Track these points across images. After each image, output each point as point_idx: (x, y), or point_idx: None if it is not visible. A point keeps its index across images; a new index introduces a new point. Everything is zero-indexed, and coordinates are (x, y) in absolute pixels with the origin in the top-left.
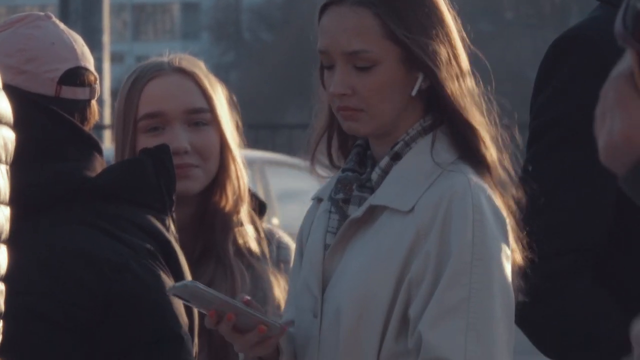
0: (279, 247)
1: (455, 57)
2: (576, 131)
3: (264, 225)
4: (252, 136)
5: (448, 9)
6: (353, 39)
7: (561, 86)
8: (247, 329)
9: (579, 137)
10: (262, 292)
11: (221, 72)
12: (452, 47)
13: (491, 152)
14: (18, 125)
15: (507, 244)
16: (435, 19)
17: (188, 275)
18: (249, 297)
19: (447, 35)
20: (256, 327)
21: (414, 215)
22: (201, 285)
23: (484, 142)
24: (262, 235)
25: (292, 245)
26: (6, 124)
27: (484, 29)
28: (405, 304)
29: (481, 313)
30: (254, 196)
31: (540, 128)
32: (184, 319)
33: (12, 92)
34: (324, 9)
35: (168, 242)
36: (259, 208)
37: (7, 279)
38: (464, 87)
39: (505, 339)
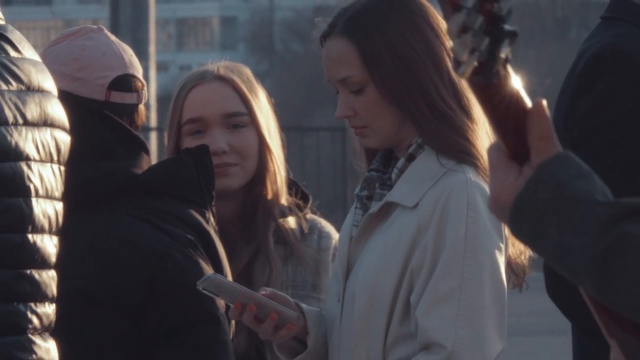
0: (320, 236)
1: (434, 73)
2: (628, 133)
3: (308, 215)
4: (283, 138)
5: (432, 26)
6: (339, 68)
7: (608, 92)
8: (265, 319)
9: (631, 138)
10: (301, 277)
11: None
12: (433, 66)
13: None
14: (72, 127)
15: (501, 238)
16: (415, 44)
17: (226, 264)
18: (267, 291)
19: (429, 56)
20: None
21: (417, 211)
22: (223, 278)
23: (473, 146)
24: (304, 224)
25: (334, 233)
26: (60, 127)
27: None
28: (407, 292)
29: (471, 301)
30: (298, 188)
31: (589, 132)
32: (220, 302)
33: (66, 97)
34: (321, 43)
35: (207, 233)
36: (303, 199)
37: (59, 266)
38: (443, 101)
39: (495, 324)
